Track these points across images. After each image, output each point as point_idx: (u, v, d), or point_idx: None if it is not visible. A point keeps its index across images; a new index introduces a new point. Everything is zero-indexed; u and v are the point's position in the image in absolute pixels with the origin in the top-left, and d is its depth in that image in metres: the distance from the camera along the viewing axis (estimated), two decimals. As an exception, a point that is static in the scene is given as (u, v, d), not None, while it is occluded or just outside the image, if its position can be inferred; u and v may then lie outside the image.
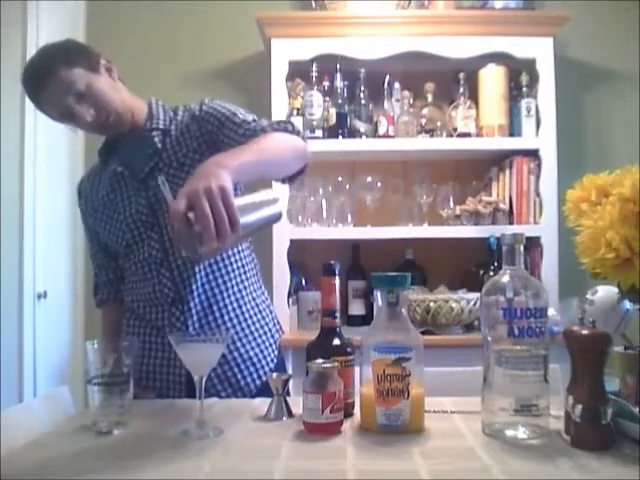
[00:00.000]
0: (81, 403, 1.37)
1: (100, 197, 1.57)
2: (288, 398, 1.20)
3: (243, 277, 1.55)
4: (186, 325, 1.47)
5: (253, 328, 1.55)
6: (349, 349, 1.19)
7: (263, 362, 1.55)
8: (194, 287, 1.48)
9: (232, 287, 1.52)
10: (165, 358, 1.49)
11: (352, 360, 1.18)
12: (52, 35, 2.50)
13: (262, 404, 1.22)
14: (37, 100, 1.45)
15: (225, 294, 1.51)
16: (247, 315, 1.54)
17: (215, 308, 1.50)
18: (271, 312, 1.63)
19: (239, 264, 1.54)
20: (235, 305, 1.52)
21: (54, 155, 2.58)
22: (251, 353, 1.53)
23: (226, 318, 1.50)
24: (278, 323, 1.66)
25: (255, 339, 1.55)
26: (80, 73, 1.42)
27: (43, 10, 2.42)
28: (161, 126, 1.54)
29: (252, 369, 1.53)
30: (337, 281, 1.22)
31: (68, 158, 2.73)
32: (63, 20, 2.68)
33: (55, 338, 2.53)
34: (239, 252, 1.55)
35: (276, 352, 1.60)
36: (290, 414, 1.17)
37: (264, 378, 1.52)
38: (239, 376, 1.51)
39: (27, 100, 2.38)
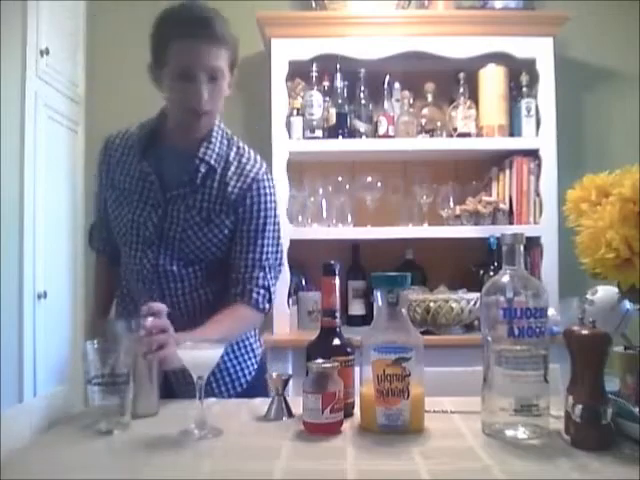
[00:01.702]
0: (81, 403, 1.37)
1: (123, 180, 1.53)
2: (288, 398, 1.20)
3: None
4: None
5: (233, 341, 1.54)
6: (349, 349, 1.19)
7: (240, 374, 1.56)
8: (180, 310, 1.49)
9: (215, 307, 1.48)
10: None
11: (352, 360, 1.18)
12: (52, 35, 2.50)
13: (262, 404, 1.22)
14: (172, 40, 1.37)
15: (208, 313, 1.45)
16: None
17: (197, 322, 1.43)
18: (254, 328, 1.63)
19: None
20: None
21: (54, 155, 2.58)
22: (228, 364, 1.54)
23: None
24: (259, 340, 1.66)
25: (234, 351, 1.56)
26: (224, 64, 1.41)
27: (43, 10, 2.42)
28: (212, 162, 1.48)
29: (227, 379, 1.54)
30: (337, 281, 1.22)
31: (68, 158, 2.73)
32: (63, 20, 2.68)
33: (55, 338, 2.53)
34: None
35: (255, 366, 1.60)
36: (290, 414, 1.17)
37: (239, 389, 1.54)
38: (214, 385, 1.52)
39: (27, 100, 2.38)
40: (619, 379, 1.09)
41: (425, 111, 2.75)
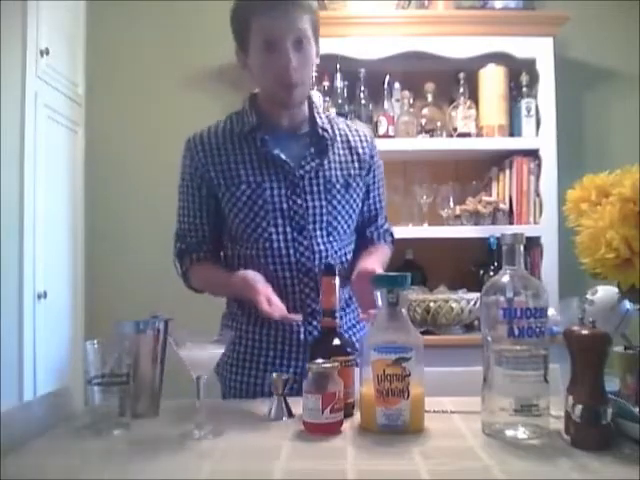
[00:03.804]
0: (81, 403, 1.37)
1: (245, 173, 1.46)
2: (288, 398, 1.20)
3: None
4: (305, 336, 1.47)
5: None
6: (349, 349, 1.19)
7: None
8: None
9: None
10: (278, 357, 1.49)
11: (352, 360, 1.19)
12: (52, 35, 2.50)
13: (262, 404, 1.23)
14: (251, 17, 1.38)
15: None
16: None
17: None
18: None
19: None
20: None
21: (54, 155, 2.58)
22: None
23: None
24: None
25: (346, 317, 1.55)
26: (308, 28, 1.43)
27: (43, 10, 2.42)
28: (330, 130, 1.51)
29: None
30: (337, 281, 1.22)
31: (68, 158, 2.73)
32: (63, 20, 2.68)
33: (55, 338, 2.53)
34: None
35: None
36: (290, 414, 1.17)
37: None
38: None
39: (27, 100, 2.39)
40: (619, 379, 1.09)
41: (425, 111, 2.75)
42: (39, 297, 2.40)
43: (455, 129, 2.70)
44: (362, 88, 2.70)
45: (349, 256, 1.55)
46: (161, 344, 1.23)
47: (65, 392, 1.34)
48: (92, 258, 2.88)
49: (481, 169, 2.82)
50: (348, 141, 1.54)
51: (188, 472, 0.91)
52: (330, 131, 1.52)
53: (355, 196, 1.52)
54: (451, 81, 2.77)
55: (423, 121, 2.73)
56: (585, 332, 0.98)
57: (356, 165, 1.53)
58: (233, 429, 1.10)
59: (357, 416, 1.13)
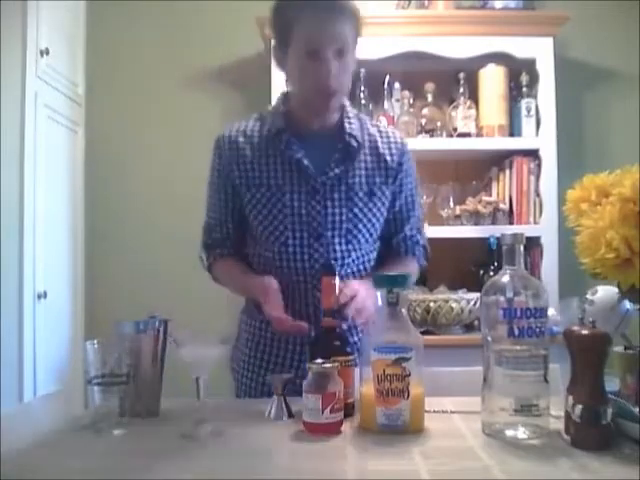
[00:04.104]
0: (81, 403, 1.37)
1: (267, 176, 1.46)
2: (288, 398, 1.20)
3: None
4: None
5: None
6: (349, 349, 1.19)
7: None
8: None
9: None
10: (290, 350, 1.48)
11: (352, 360, 1.19)
12: (52, 35, 2.50)
13: (262, 404, 1.22)
14: (296, 19, 1.36)
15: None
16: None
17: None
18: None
19: None
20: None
21: (54, 155, 2.58)
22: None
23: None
24: None
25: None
26: (350, 38, 1.41)
27: (43, 10, 2.42)
28: (359, 136, 1.48)
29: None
30: (337, 281, 1.22)
31: (68, 158, 2.73)
32: (63, 20, 2.68)
33: (55, 338, 2.53)
34: None
35: None
36: (290, 414, 1.17)
37: None
38: None
39: (27, 100, 2.39)
40: (619, 379, 1.10)
41: (425, 111, 2.75)
42: (39, 297, 2.40)
43: (455, 129, 2.70)
44: (362, 88, 2.70)
45: (370, 264, 1.53)
46: (161, 344, 1.23)
47: (65, 392, 1.34)
48: (92, 258, 2.88)
49: (481, 169, 2.82)
50: (377, 147, 1.52)
51: (188, 472, 0.91)
52: (359, 136, 1.49)
53: (379, 204, 1.50)
54: (451, 81, 2.76)
55: (423, 121, 2.73)
56: (585, 332, 0.98)
57: (382, 173, 1.50)
58: (233, 429, 1.10)
59: (357, 416, 1.13)
